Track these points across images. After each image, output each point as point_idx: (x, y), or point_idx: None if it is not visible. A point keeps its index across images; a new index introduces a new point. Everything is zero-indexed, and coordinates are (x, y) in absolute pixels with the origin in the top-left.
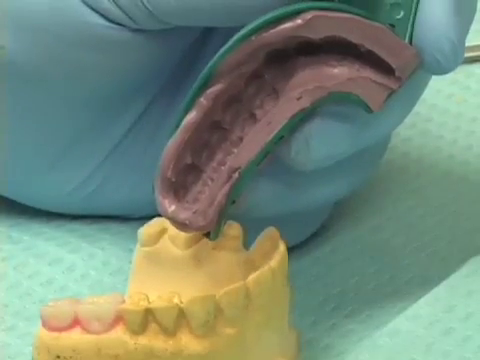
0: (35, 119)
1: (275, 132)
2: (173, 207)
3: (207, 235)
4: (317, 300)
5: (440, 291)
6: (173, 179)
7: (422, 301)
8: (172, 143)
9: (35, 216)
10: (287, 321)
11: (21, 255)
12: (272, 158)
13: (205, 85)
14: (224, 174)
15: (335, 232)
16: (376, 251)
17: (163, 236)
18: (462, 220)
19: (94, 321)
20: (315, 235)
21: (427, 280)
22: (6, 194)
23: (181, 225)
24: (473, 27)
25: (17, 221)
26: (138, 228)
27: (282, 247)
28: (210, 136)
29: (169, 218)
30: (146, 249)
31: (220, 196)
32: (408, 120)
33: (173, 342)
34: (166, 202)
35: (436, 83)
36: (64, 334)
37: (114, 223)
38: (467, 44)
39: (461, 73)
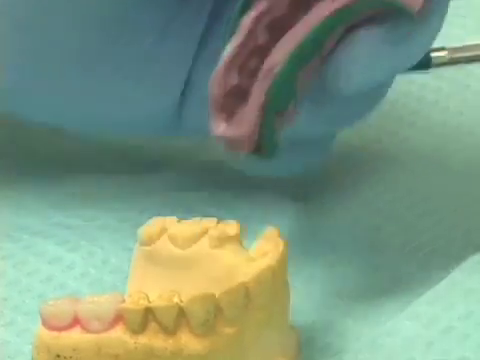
0: None
1: (310, 31)
2: (222, 126)
3: (262, 155)
4: (316, 299)
5: (440, 289)
6: (221, 100)
7: (421, 300)
8: (219, 66)
9: (35, 215)
10: (287, 320)
11: (21, 253)
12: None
13: (248, 5)
14: (261, 75)
15: (334, 232)
16: (375, 250)
17: (163, 235)
18: (461, 219)
19: (94, 320)
20: (314, 234)
21: (426, 278)
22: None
23: (230, 143)
24: (472, 26)
25: (16, 220)
26: (138, 227)
27: (282, 246)
28: (255, 59)
29: (219, 137)
30: (146, 248)
31: (259, 94)
32: (408, 120)
33: (173, 341)
34: (216, 122)
35: (436, 81)
36: (64, 333)
37: (113, 221)
38: (466, 43)
39: (460, 72)
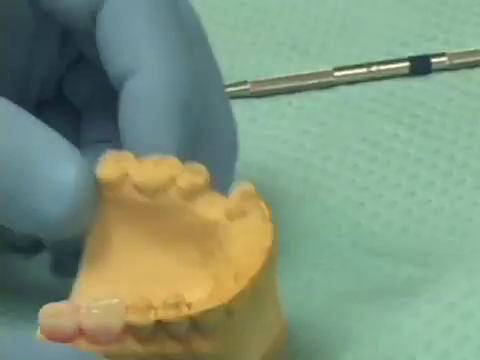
0: None
1: None
2: None
3: None
4: (316, 300)
5: (440, 289)
6: None
7: (422, 299)
8: None
9: None
10: (276, 298)
11: None
12: None
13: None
14: None
15: (334, 234)
16: (375, 252)
17: (126, 181)
18: (461, 221)
19: (100, 334)
20: (314, 239)
21: (427, 278)
22: None
23: None
24: (472, 31)
25: None
26: None
27: (269, 224)
28: None
29: None
30: (109, 194)
31: None
32: (408, 122)
33: (184, 347)
34: None
35: (435, 87)
36: (68, 344)
37: None
38: (466, 49)
39: (460, 78)
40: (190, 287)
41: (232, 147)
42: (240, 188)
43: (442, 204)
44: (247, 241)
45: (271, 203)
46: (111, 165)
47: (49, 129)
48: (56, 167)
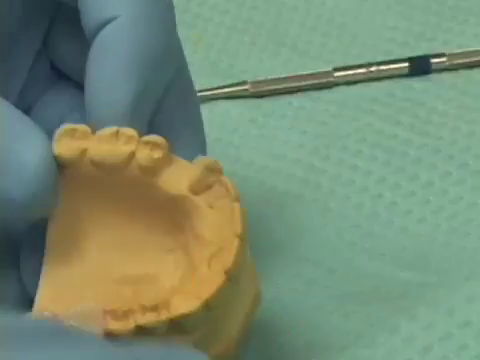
0: None
1: None
2: None
3: None
4: (315, 301)
5: (440, 293)
6: None
7: (421, 302)
8: None
9: None
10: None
11: None
12: None
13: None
14: None
15: (334, 235)
16: (375, 253)
17: (84, 157)
18: (460, 222)
19: None
20: (314, 239)
21: (426, 281)
22: None
23: None
24: (471, 31)
25: None
26: None
27: (237, 204)
28: None
29: None
30: (68, 171)
31: None
32: (407, 122)
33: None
34: None
35: (435, 88)
36: None
37: None
38: (466, 49)
39: (461, 78)
40: (160, 255)
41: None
42: (202, 161)
43: (442, 204)
44: (217, 221)
45: (271, 203)
46: (67, 141)
47: (14, 109)
48: (20, 147)
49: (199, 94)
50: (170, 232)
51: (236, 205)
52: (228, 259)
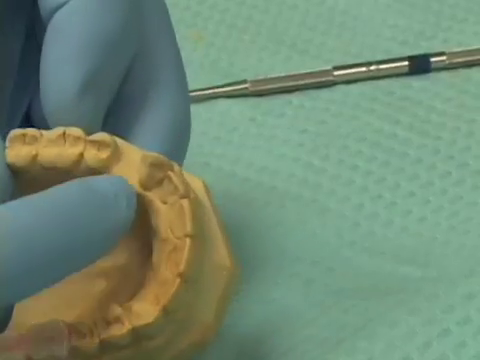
0: None
1: None
2: None
3: None
4: (314, 298)
5: (439, 289)
6: None
7: (421, 297)
8: None
9: None
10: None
11: None
12: None
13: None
14: None
15: (334, 234)
16: (375, 253)
17: (35, 164)
18: (459, 221)
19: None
20: (313, 238)
21: (426, 277)
22: None
23: None
24: (471, 30)
25: None
26: None
27: (185, 201)
28: None
29: None
30: (21, 177)
31: None
32: (407, 121)
33: (131, 350)
34: None
35: (435, 86)
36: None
37: None
38: (465, 48)
39: (459, 77)
40: (126, 249)
41: (182, 126)
42: (147, 158)
43: (441, 204)
44: (169, 217)
45: (270, 203)
46: (18, 148)
47: None
48: None
49: (199, 93)
50: (132, 228)
51: (185, 202)
52: (181, 261)
